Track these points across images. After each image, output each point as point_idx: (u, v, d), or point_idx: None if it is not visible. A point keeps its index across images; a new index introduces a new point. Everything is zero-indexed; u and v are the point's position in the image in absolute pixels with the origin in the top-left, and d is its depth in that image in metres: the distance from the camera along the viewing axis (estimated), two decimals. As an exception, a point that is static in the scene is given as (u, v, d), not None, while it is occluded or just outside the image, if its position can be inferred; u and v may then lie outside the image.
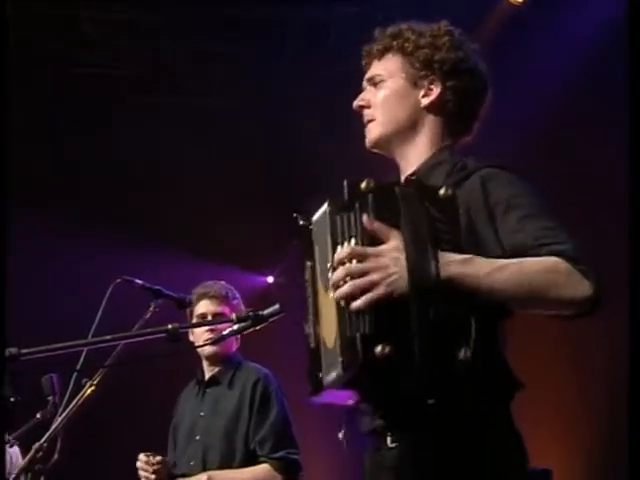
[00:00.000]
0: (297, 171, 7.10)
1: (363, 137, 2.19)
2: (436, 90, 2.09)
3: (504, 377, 1.90)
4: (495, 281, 1.76)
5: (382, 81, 2.13)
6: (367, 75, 2.18)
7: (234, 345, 3.85)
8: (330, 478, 6.42)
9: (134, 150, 6.90)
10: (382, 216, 1.76)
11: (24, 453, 2.87)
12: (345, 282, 1.76)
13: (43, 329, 4.06)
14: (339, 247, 1.80)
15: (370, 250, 1.75)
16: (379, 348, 1.68)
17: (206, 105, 6.86)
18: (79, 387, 2.94)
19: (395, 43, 2.13)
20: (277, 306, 2.22)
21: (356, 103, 2.17)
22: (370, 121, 2.15)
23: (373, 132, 2.14)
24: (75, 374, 2.85)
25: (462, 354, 1.72)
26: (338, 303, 1.79)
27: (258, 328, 2.22)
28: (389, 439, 1.90)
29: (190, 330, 3.76)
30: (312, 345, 1.95)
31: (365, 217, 1.75)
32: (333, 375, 1.83)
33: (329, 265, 1.82)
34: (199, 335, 3.71)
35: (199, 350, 3.79)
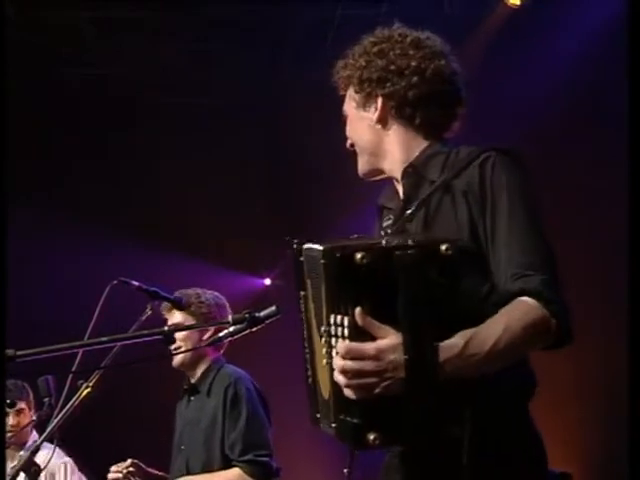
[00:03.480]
0: (296, 172, 7.10)
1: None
2: (378, 103, 2.13)
3: (521, 376, 1.92)
4: (488, 363, 1.77)
5: (346, 116, 2.22)
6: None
7: (211, 351, 3.82)
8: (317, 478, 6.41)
9: (134, 150, 6.89)
10: (377, 297, 1.73)
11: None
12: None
13: (40, 330, 4.07)
14: (332, 315, 1.78)
15: (368, 350, 1.72)
16: (370, 437, 1.72)
17: (206, 105, 6.86)
18: (75, 389, 2.93)
19: (341, 79, 2.21)
20: (274, 308, 2.21)
21: (348, 144, 2.24)
22: (356, 154, 2.22)
23: (358, 164, 2.21)
24: (71, 376, 2.83)
25: (456, 431, 1.76)
26: (330, 369, 1.80)
27: (254, 330, 2.21)
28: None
29: None
30: (310, 381, 2.00)
31: (357, 311, 1.72)
32: (328, 429, 1.89)
33: (322, 329, 1.82)
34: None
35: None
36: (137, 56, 6.57)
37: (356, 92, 2.17)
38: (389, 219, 2.11)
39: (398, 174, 2.12)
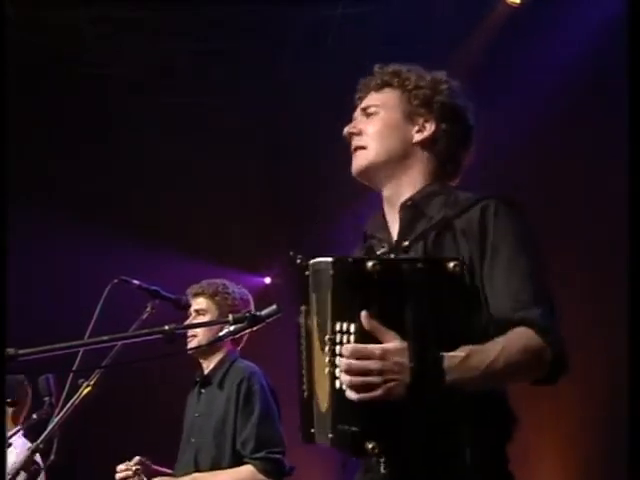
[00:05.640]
0: (297, 171, 7.10)
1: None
2: (430, 128, 2.14)
3: (501, 417, 1.94)
4: (485, 380, 1.80)
5: (376, 113, 2.17)
6: (362, 105, 2.21)
7: (226, 343, 3.80)
8: (325, 477, 6.41)
9: (134, 150, 6.90)
10: (384, 305, 1.75)
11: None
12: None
13: (40, 330, 4.06)
14: (338, 323, 1.79)
15: (374, 350, 1.74)
16: (369, 446, 1.73)
17: (206, 105, 6.86)
18: (76, 388, 2.93)
19: (396, 80, 2.18)
20: (274, 307, 2.21)
21: (347, 130, 2.19)
22: (359, 148, 2.16)
23: (361, 160, 2.15)
24: (72, 375, 2.83)
25: (453, 446, 1.78)
26: (332, 378, 1.80)
27: (255, 329, 2.21)
28: (382, 465, 1.90)
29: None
30: (305, 395, 2.00)
31: (363, 315, 1.74)
32: (323, 440, 1.90)
33: (327, 337, 1.82)
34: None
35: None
36: (137, 56, 6.57)
37: (408, 102, 2.15)
38: (382, 247, 2.09)
39: (395, 201, 2.12)
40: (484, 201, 1.98)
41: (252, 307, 3.86)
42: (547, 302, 1.91)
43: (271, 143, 7.20)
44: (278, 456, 3.62)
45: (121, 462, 3.61)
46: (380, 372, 1.73)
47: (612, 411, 4.69)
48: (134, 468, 3.54)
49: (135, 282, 3.16)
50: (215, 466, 3.65)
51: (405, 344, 1.74)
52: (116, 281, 3.07)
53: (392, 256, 2.01)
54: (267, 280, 7.85)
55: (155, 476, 3.62)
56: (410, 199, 2.10)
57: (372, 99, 2.20)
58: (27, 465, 2.79)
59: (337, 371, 1.79)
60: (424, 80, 2.17)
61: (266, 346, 4.52)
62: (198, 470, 3.67)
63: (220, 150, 6.96)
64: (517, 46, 5.18)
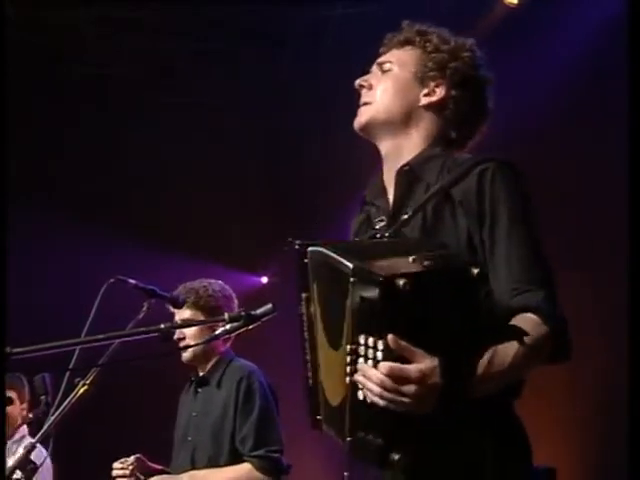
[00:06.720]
0: (295, 172, 7.10)
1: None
2: (439, 93, 2.11)
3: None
4: (506, 379, 1.82)
5: (390, 69, 2.15)
6: (379, 59, 2.19)
7: (220, 344, 3.81)
8: (324, 476, 6.41)
9: (134, 150, 6.90)
10: (412, 322, 1.70)
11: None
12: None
13: (40, 330, 4.06)
14: (362, 336, 1.73)
15: (412, 374, 1.69)
16: (395, 457, 1.70)
17: (206, 105, 6.86)
18: (72, 386, 2.93)
19: (418, 39, 2.16)
20: (270, 306, 2.20)
21: (358, 82, 2.18)
22: (365, 103, 2.15)
23: (364, 115, 2.14)
24: (68, 373, 2.83)
25: (475, 439, 1.79)
26: (354, 388, 1.75)
27: (251, 328, 2.20)
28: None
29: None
30: (310, 383, 1.96)
31: (391, 338, 1.67)
32: (334, 434, 1.87)
33: (348, 347, 1.75)
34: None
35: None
36: (137, 56, 6.57)
37: (423, 64, 2.13)
38: (381, 220, 2.06)
39: (393, 163, 2.10)
40: (481, 165, 1.94)
41: (235, 302, 3.87)
42: (548, 282, 1.88)
43: (271, 143, 7.20)
44: (276, 455, 3.63)
45: (116, 460, 3.60)
46: (415, 396, 1.69)
47: (612, 411, 4.67)
48: (130, 467, 3.53)
49: (131, 281, 3.16)
50: (212, 464, 3.66)
51: (436, 362, 1.70)
52: (112, 280, 3.07)
53: (392, 230, 1.96)
54: (264, 279, 7.87)
55: (151, 473, 3.61)
56: (407, 164, 2.06)
57: (391, 55, 2.18)
58: (23, 464, 2.78)
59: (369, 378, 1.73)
60: (446, 44, 2.14)
61: (264, 345, 4.52)
62: (195, 468, 3.67)
63: (220, 150, 6.96)
64: (517, 46, 5.17)
